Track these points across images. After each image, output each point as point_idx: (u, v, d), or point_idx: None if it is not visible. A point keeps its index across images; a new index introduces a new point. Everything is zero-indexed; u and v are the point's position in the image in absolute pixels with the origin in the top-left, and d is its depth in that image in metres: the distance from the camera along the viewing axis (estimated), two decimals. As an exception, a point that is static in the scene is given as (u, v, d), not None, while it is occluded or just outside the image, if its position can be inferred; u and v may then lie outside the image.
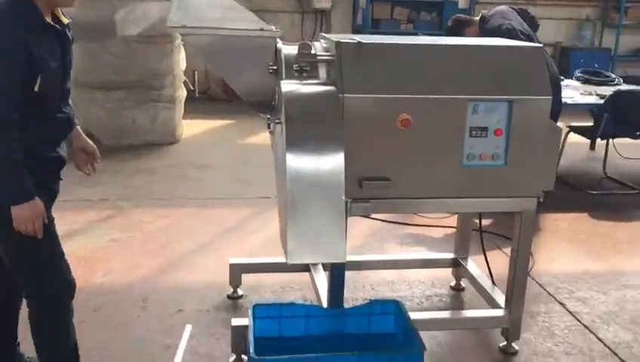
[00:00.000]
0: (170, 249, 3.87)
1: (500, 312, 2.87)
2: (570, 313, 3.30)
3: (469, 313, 2.91)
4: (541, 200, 2.66)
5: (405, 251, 3.97)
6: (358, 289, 3.44)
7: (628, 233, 4.55)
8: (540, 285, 3.58)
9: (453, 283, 3.54)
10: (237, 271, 3.29)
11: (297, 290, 3.37)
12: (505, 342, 2.91)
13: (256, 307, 2.46)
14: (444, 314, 2.87)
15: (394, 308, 2.55)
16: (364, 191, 2.46)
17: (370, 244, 4.00)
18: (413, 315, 2.67)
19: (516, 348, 2.90)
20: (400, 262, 3.52)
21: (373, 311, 2.56)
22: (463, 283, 3.52)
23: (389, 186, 2.48)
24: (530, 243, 2.75)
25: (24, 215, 2.01)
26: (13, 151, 1.96)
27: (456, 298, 3.45)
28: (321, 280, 2.98)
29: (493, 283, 3.20)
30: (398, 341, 2.50)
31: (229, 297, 3.30)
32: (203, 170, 5.48)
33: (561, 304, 3.39)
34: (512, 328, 2.84)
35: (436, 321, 2.83)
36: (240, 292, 3.32)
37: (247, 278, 3.35)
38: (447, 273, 3.57)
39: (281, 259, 2.77)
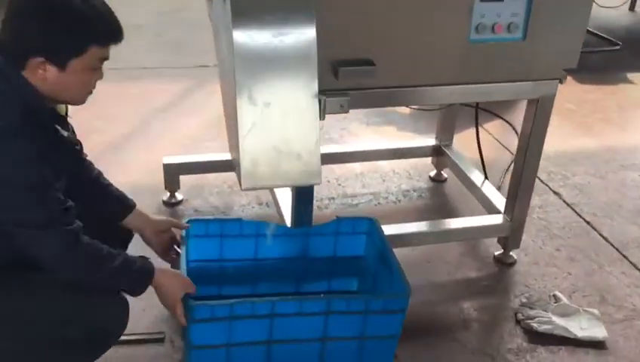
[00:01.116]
0: (87, 141, 3.15)
1: (498, 219, 2.41)
2: (568, 205, 2.90)
3: (458, 222, 2.43)
4: (563, 82, 2.10)
5: (373, 132, 3.41)
6: (322, 187, 2.89)
7: (617, 99, 4.14)
8: (530, 170, 3.12)
9: (433, 173, 3.05)
10: (173, 173, 2.68)
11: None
12: (501, 251, 2.48)
13: (191, 223, 1.91)
14: (429, 226, 2.38)
15: (367, 227, 2.06)
16: (341, 81, 1.83)
17: (332, 126, 3.40)
18: (392, 229, 2.20)
19: (514, 257, 2.49)
20: (372, 153, 2.96)
21: (341, 230, 2.06)
22: (445, 173, 3.03)
23: (373, 72, 1.85)
24: (544, 135, 2.22)
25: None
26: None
27: (438, 191, 2.97)
28: (282, 192, 2.41)
29: (486, 177, 2.72)
30: (369, 265, 2.05)
31: (165, 203, 2.72)
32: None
33: (557, 194, 2.98)
34: (512, 236, 2.40)
35: (420, 236, 2.35)
36: (179, 196, 2.74)
37: (187, 177, 2.76)
38: (423, 162, 3.06)
39: (228, 155, 2.20)
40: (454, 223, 2.43)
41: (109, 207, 1.79)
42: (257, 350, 1.71)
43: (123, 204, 1.81)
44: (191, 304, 1.59)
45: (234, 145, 1.73)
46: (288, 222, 2.18)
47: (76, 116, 1.70)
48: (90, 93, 1.54)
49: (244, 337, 1.68)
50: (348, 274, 2.12)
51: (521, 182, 2.28)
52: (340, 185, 2.95)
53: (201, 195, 2.79)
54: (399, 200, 2.87)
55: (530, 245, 2.56)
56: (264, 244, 2.00)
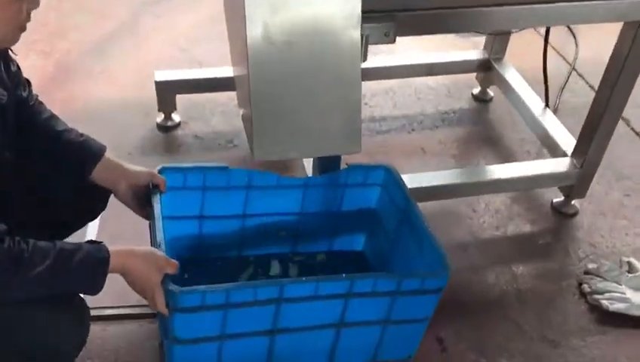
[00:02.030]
0: (63, 42, 2.69)
1: (563, 164, 2.00)
2: (638, 134, 2.47)
3: (509, 170, 2.00)
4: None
5: (409, 41, 2.89)
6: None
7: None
8: (590, 87, 2.66)
9: (476, 91, 2.60)
10: (167, 92, 2.24)
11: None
12: (561, 199, 2.10)
13: (164, 173, 1.50)
14: (469, 176, 1.96)
15: (382, 177, 1.68)
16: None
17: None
18: (421, 180, 1.82)
19: (577, 206, 2.10)
20: (408, 68, 2.48)
21: (350, 182, 1.67)
22: (491, 90, 2.58)
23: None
24: None
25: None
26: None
27: (482, 114, 2.53)
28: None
29: (547, 104, 2.27)
30: (383, 222, 1.70)
31: (159, 127, 2.30)
32: None
33: (626, 121, 2.52)
34: (579, 185, 2.00)
35: (457, 188, 1.94)
36: (175, 118, 2.32)
37: (184, 96, 2.32)
38: (464, 77, 2.60)
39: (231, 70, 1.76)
40: (504, 170, 2.01)
41: (67, 158, 1.37)
42: (257, 341, 1.38)
43: (87, 153, 1.38)
44: (172, 290, 1.23)
45: (242, 96, 1.30)
46: (309, 170, 1.79)
47: (55, 8, 1.25)
48: (23, 29, 1.10)
49: (242, 327, 1.34)
50: (354, 232, 1.78)
51: (601, 121, 1.84)
52: (366, 104, 2.50)
53: (203, 117, 2.37)
54: (436, 126, 2.44)
55: (594, 190, 2.16)
56: (256, 198, 1.62)
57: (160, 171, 1.50)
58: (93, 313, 1.31)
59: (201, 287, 1.25)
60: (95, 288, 1.16)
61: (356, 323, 1.41)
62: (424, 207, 1.60)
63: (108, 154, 1.40)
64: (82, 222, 1.49)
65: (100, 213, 1.51)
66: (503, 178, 1.95)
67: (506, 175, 1.96)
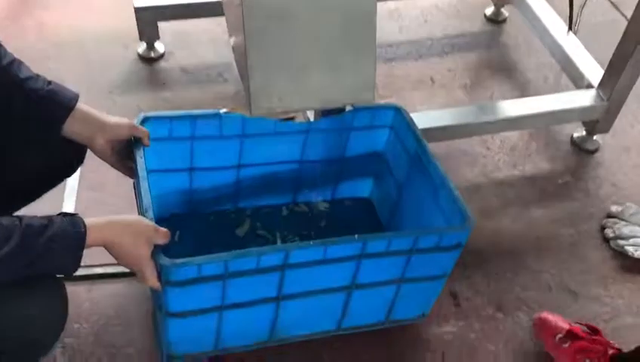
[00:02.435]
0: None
1: (587, 97, 1.84)
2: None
3: (528, 105, 1.82)
4: None
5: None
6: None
7: None
8: (614, 5, 2.45)
9: (489, 12, 2.39)
10: (148, 19, 2.03)
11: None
12: (582, 134, 1.95)
13: (147, 122, 1.35)
14: (484, 114, 1.80)
15: (391, 118, 1.52)
16: None
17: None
18: (433, 119, 1.69)
19: (599, 142, 1.96)
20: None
21: (356, 125, 1.51)
22: (505, 10, 2.37)
23: None
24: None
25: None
26: None
27: (496, 37, 2.34)
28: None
29: (570, 27, 2.07)
30: (392, 166, 1.57)
31: (142, 58, 2.11)
32: None
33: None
34: (604, 119, 1.85)
35: (470, 128, 1.78)
36: (160, 48, 2.12)
37: (168, 23, 2.12)
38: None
39: None
40: (523, 106, 1.84)
41: (33, 111, 1.19)
42: (261, 309, 1.26)
43: (56, 104, 1.19)
44: (165, 264, 1.10)
45: (234, 28, 1.13)
46: (310, 114, 1.63)
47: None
48: None
49: (244, 296, 1.22)
50: (360, 178, 1.66)
51: (634, 50, 1.66)
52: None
53: (189, 46, 2.17)
54: (445, 52, 2.25)
55: (616, 123, 2.00)
56: (251, 146, 1.47)
57: (142, 121, 1.34)
58: (79, 272, 1.19)
59: (197, 259, 1.12)
60: (69, 268, 1.02)
61: (369, 284, 1.30)
62: (434, 146, 1.45)
63: (81, 104, 1.23)
64: (54, 182, 1.34)
65: (76, 169, 1.36)
66: (522, 115, 1.79)
67: (524, 111, 1.80)
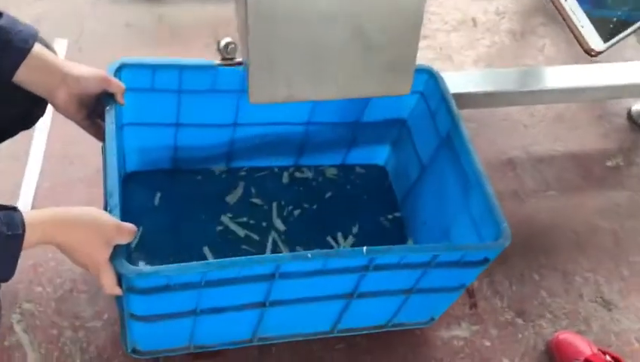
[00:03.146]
0: None
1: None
2: None
3: (583, 75, 1.55)
4: None
5: None
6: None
7: None
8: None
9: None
10: None
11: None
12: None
13: (123, 71, 1.12)
14: (533, 81, 1.53)
15: (423, 84, 1.28)
16: None
17: None
18: (465, 82, 1.46)
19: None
20: None
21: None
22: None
23: None
24: None
25: None
26: None
27: None
28: None
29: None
30: (416, 137, 1.35)
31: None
32: None
33: None
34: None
35: (514, 97, 1.52)
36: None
37: None
38: None
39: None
40: (580, 76, 1.57)
41: None
42: (244, 314, 1.08)
43: (6, 47, 0.95)
44: (125, 275, 0.90)
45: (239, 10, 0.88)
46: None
47: None
48: None
49: (223, 302, 1.03)
50: (376, 143, 1.44)
51: None
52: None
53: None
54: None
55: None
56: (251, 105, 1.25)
57: (118, 70, 1.11)
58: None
59: (166, 269, 0.91)
60: (3, 275, 0.83)
61: (372, 293, 1.11)
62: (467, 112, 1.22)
63: (39, 47, 0.99)
64: (7, 134, 1.12)
65: (36, 121, 1.14)
66: (578, 86, 1.52)
67: (581, 82, 1.53)
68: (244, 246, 1.29)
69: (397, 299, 1.14)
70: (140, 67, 1.14)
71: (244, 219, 1.33)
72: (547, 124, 1.67)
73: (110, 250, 0.89)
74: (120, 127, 1.18)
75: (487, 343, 1.32)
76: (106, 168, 0.98)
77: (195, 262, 0.91)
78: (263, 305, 1.05)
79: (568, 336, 1.29)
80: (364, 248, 0.98)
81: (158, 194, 1.32)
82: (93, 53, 1.66)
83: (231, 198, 1.36)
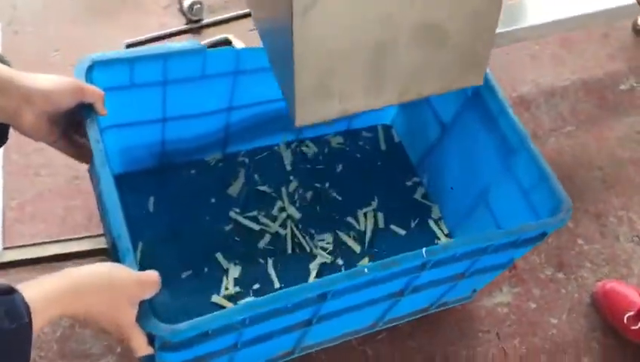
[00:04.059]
0: None
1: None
2: None
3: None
4: None
5: None
6: None
7: None
8: None
9: None
10: None
11: None
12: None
13: (95, 70, 0.94)
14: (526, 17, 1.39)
15: None
16: None
17: None
18: None
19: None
20: None
21: None
22: None
23: None
24: None
25: None
26: None
27: None
28: None
29: None
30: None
31: None
32: None
33: None
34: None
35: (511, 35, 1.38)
36: None
37: None
38: None
39: None
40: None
41: None
42: (290, 335, 0.96)
43: None
44: (161, 333, 0.76)
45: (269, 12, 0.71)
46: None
47: None
48: None
49: (263, 330, 0.90)
50: None
51: None
52: None
53: None
54: None
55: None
56: (246, 85, 1.09)
57: (89, 70, 0.92)
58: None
59: (203, 320, 0.77)
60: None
61: (423, 286, 0.99)
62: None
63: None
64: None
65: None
66: (577, 15, 1.40)
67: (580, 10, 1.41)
68: (261, 245, 1.15)
69: (445, 286, 1.04)
70: (114, 63, 0.96)
71: (254, 213, 1.19)
72: (553, 52, 1.55)
73: (136, 310, 0.75)
74: (101, 131, 1.01)
75: (533, 305, 1.24)
76: (105, 203, 0.81)
77: (234, 307, 0.80)
78: (309, 323, 0.93)
79: (615, 286, 1.22)
80: (424, 250, 0.86)
81: (152, 199, 1.16)
82: (33, 36, 1.44)
83: (234, 190, 1.21)
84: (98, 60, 0.93)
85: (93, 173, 0.86)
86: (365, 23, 0.73)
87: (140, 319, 0.75)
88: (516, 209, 1.03)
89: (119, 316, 0.73)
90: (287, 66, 0.72)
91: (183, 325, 0.76)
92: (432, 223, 1.23)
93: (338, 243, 1.18)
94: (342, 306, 0.92)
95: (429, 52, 0.77)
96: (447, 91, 0.84)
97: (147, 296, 0.76)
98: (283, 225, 1.18)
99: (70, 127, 0.90)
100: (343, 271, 1.11)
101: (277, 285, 1.11)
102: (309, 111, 0.75)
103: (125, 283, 0.74)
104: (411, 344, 1.15)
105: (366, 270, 0.83)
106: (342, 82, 0.76)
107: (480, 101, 1.07)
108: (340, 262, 1.16)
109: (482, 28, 0.77)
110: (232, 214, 1.17)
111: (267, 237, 1.16)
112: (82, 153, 0.91)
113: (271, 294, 0.79)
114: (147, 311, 0.75)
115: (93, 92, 0.87)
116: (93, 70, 0.93)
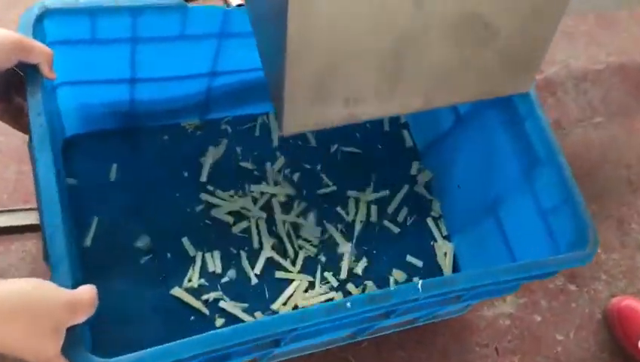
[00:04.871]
0: None
1: None
2: None
3: None
4: None
5: None
6: None
7: None
8: None
9: None
10: None
11: None
12: None
13: (46, 19, 0.77)
14: None
15: None
16: None
17: None
18: None
19: None
20: None
21: None
22: None
23: None
24: None
25: None
26: None
27: None
28: None
29: None
30: None
31: None
32: None
33: None
34: None
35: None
36: None
37: None
38: None
39: None
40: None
41: None
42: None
43: None
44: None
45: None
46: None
47: None
48: None
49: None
50: None
51: None
52: None
53: None
54: None
55: None
56: (232, 48, 0.93)
57: (38, 20, 0.76)
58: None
59: (149, 354, 0.64)
60: None
61: (409, 310, 0.87)
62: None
63: None
64: None
65: None
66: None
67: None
68: (236, 231, 1.02)
69: (436, 308, 0.92)
70: (71, 14, 0.79)
71: (231, 192, 1.05)
72: (588, 30, 1.37)
73: (62, 338, 0.62)
74: (51, 89, 0.86)
75: (538, 318, 1.13)
76: (41, 196, 0.67)
77: (188, 339, 0.65)
78: (276, 344, 0.81)
79: (631, 303, 1.11)
80: (419, 284, 0.73)
81: (114, 167, 1.02)
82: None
83: (209, 163, 1.06)
84: (50, 8, 0.76)
85: (31, 152, 0.71)
86: (386, 6, 0.57)
87: (68, 350, 0.62)
88: (530, 229, 0.90)
89: (40, 347, 0.60)
90: (277, 59, 0.57)
91: (122, 359, 0.63)
92: (430, 222, 1.10)
93: (324, 234, 1.05)
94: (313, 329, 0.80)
95: (469, 51, 0.61)
96: (486, 98, 0.68)
97: (79, 320, 0.63)
98: (264, 209, 1.05)
99: (10, 88, 0.75)
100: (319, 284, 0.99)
101: (254, 281, 0.99)
102: (302, 116, 0.60)
103: (50, 306, 0.60)
104: (400, 354, 1.04)
105: (348, 304, 0.70)
106: (349, 81, 0.61)
107: (505, 97, 0.91)
108: (322, 258, 1.03)
109: (541, 27, 0.61)
110: (204, 194, 1.03)
111: (244, 223, 1.03)
112: (22, 120, 0.76)
113: (232, 327, 0.66)
114: (77, 340, 0.62)
115: (39, 50, 0.72)
116: (43, 20, 0.77)
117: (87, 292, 0.64)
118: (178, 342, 0.64)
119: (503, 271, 0.76)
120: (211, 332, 0.65)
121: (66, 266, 0.64)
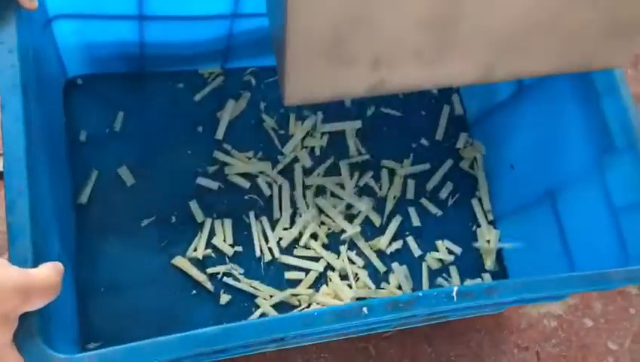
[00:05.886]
0: None
1: None
2: None
3: None
4: None
5: None
6: None
7: None
8: None
9: None
10: None
11: None
12: None
13: None
14: None
15: None
16: None
17: None
18: None
19: None
20: None
21: None
22: None
23: None
24: None
25: None
26: None
27: None
28: None
29: None
30: None
31: None
32: None
33: None
34: None
35: None
36: None
37: None
38: None
39: None
40: None
41: None
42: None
43: None
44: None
45: None
46: None
47: None
48: None
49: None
50: None
51: None
52: None
53: None
54: None
55: None
56: None
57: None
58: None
59: (112, 352, 0.53)
60: None
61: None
62: None
63: None
64: None
65: None
66: None
67: None
68: (250, 194, 0.90)
69: (471, 310, 0.79)
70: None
71: (249, 153, 0.92)
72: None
73: (13, 326, 0.51)
74: (46, 23, 0.74)
75: (589, 322, 0.99)
76: (4, 147, 0.56)
77: (163, 339, 0.53)
78: (280, 340, 0.69)
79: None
80: (455, 290, 0.60)
81: (120, 115, 0.90)
82: None
83: (228, 118, 0.94)
84: None
85: None
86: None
87: (20, 340, 0.51)
88: (594, 228, 0.75)
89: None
90: (279, 8, 0.43)
91: (86, 357, 0.52)
92: (475, 203, 0.96)
93: (350, 209, 0.93)
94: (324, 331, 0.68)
95: (551, 6, 0.46)
96: (570, 72, 0.54)
97: (33, 306, 0.52)
98: (285, 174, 0.92)
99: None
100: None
101: (268, 256, 0.88)
102: (311, 81, 0.46)
103: (3, 287, 0.50)
104: (426, 349, 0.92)
105: (365, 310, 0.58)
106: (379, 35, 0.47)
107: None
108: (345, 236, 0.91)
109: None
110: (219, 152, 0.91)
111: (262, 189, 0.91)
112: None
113: (222, 327, 0.55)
114: (32, 329, 0.52)
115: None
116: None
117: (47, 273, 0.52)
118: (151, 340, 0.53)
119: (559, 281, 0.62)
120: (194, 331, 0.54)
121: (27, 240, 0.53)
